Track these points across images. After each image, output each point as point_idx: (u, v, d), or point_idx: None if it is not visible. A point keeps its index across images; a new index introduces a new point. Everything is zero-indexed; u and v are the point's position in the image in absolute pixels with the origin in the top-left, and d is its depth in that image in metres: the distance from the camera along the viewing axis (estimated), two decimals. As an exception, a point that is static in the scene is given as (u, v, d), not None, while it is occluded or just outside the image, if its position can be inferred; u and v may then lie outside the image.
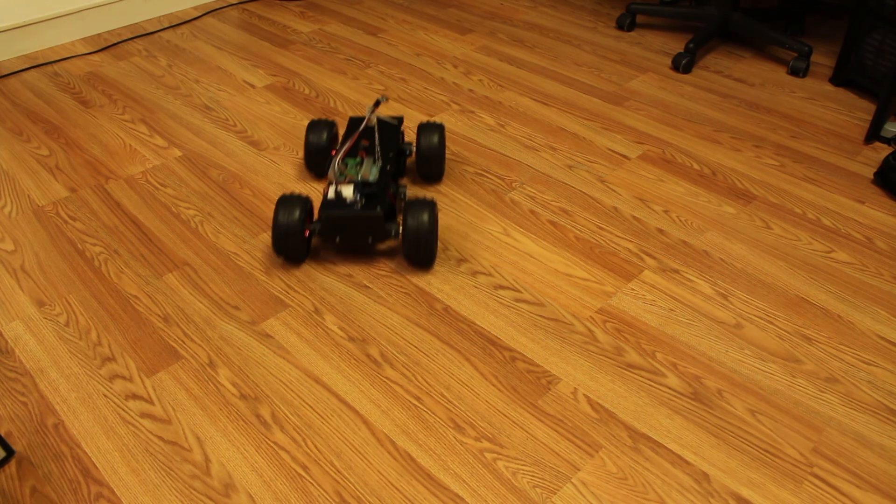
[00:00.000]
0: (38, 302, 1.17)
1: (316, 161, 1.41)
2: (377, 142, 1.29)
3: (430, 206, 1.17)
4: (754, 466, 0.91)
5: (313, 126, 1.40)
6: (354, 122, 1.38)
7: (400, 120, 1.38)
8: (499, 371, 1.04)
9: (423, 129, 1.38)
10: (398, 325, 1.12)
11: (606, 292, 1.18)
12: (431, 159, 1.38)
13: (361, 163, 1.25)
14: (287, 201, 1.18)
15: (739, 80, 1.83)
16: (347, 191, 1.18)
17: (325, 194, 1.19)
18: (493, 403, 1.00)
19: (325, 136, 1.38)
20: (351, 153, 1.29)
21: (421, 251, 1.17)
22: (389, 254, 1.26)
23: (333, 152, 1.39)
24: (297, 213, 1.16)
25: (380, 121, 1.36)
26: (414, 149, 1.43)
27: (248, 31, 2.14)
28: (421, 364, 1.06)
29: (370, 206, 1.17)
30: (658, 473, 0.91)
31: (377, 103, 1.20)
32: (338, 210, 1.16)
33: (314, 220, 1.27)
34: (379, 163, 1.26)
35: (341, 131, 1.59)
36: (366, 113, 1.13)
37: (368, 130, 1.34)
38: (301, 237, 1.17)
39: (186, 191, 1.43)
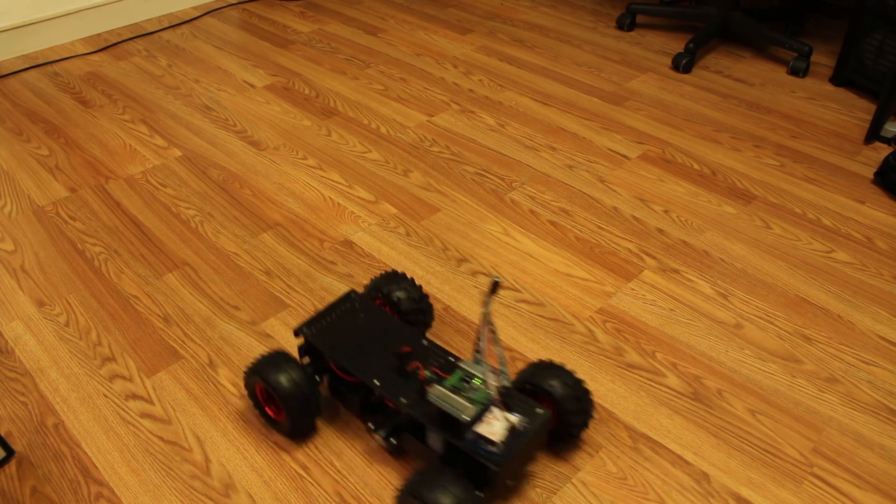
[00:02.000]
0: (38, 302, 1.17)
1: (304, 421, 0.92)
2: (488, 338, 0.84)
3: (558, 365, 0.91)
4: (754, 466, 0.91)
5: (268, 367, 0.90)
6: (326, 330, 0.94)
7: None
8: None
9: (388, 284, 1.02)
10: (398, 325, 1.12)
11: (606, 292, 1.18)
12: (420, 312, 1.02)
13: (467, 376, 0.85)
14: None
15: (739, 80, 1.83)
16: (510, 416, 0.83)
17: (480, 437, 0.81)
18: (493, 403, 1.00)
19: (298, 374, 0.89)
20: (393, 376, 0.89)
21: (586, 412, 0.90)
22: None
23: (426, 383, 0.86)
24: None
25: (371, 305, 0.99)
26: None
27: (248, 31, 2.14)
28: (421, 364, 1.06)
29: (526, 411, 0.84)
30: (658, 473, 0.91)
31: (495, 287, 0.78)
32: (518, 441, 0.81)
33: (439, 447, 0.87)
34: (483, 359, 0.85)
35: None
36: (482, 305, 0.79)
37: (375, 320, 0.97)
38: None
39: (186, 191, 1.43)
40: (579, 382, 0.89)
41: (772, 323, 1.12)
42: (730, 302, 1.16)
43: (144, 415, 0.99)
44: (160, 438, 0.95)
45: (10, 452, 0.93)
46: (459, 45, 2.03)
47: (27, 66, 1.94)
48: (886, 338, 1.10)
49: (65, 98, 1.78)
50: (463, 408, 0.80)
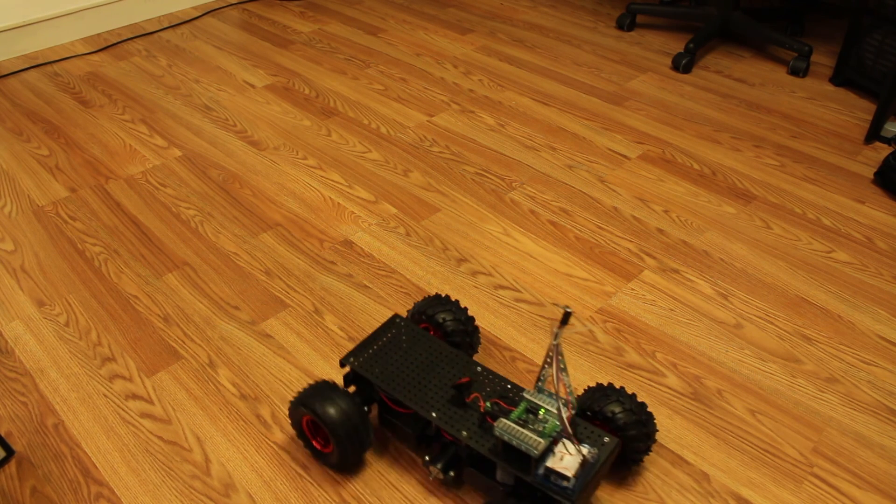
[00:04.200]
0: (38, 302, 1.17)
1: (354, 452, 0.88)
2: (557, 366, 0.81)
3: (612, 387, 0.88)
4: (754, 466, 0.91)
5: (316, 397, 0.87)
6: (379, 361, 0.91)
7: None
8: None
9: (434, 308, 0.99)
10: (398, 325, 1.12)
11: (606, 292, 1.18)
12: (468, 335, 0.99)
13: (533, 407, 0.83)
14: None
15: (739, 80, 1.83)
16: (582, 448, 0.80)
17: (554, 473, 0.78)
18: (493, 403, 1.00)
19: (347, 405, 0.86)
20: (450, 407, 0.86)
21: (650, 437, 0.87)
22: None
23: (490, 417, 0.84)
24: None
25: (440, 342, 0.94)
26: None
27: (248, 31, 2.14)
28: (421, 364, 1.06)
29: (593, 440, 0.82)
30: (658, 473, 0.91)
31: (566, 318, 0.74)
32: (589, 473, 0.79)
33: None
34: (545, 388, 0.85)
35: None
36: (553, 336, 0.74)
37: (424, 347, 0.93)
38: None
39: (186, 191, 1.43)
40: (643, 406, 0.86)
41: (772, 323, 1.12)
42: (730, 302, 1.16)
43: (144, 415, 0.99)
44: (160, 438, 0.95)
45: (10, 452, 0.93)
46: (459, 45, 2.03)
47: (27, 66, 1.94)
48: (886, 338, 1.10)
49: (65, 98, 1.78)
50: (534, 442, 0.77)
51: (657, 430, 0.89)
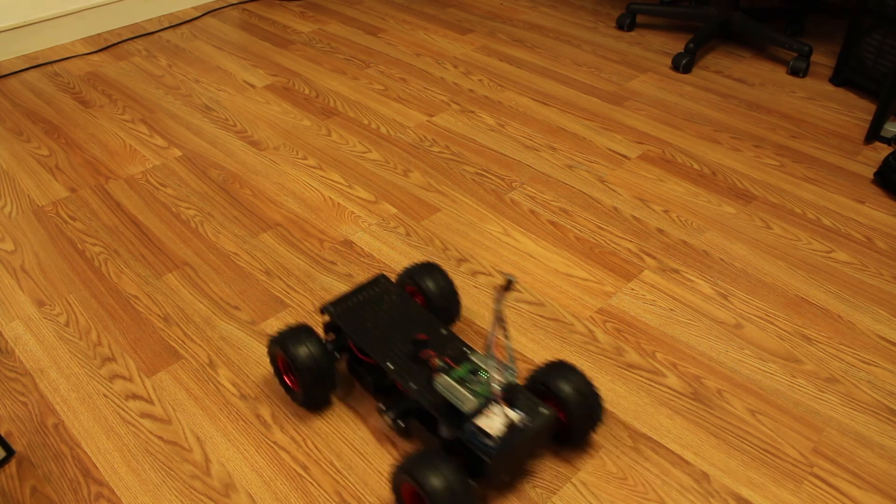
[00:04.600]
0: (38, 302, 1.17)
1: (318, 393, 0.95)
2: (499, 332, 0.92)
3: (571, 366, 0.91)
4: (754, 466, 0.91)
5: (290, 339, 0.93)
6: (351, 311, 0.98)
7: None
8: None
9: (421, 273, 1.05)
10: (398, 325, 1.12)
11: (606, 292, 1.18)
12: (447, 302, 1.05)
13: (475, 368, 0.87)
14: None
15: (739, 80, 1.83)
16: (508, 412, 0.83)
17: (478, 429, 0.83)
18: (493, 403, 1.00)
19: (316, 349, 0.93)
20: (407, 361, 0.91)
21: (594, 416, 0.90)
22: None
23: (434, 359, 0.90)
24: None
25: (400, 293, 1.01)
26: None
27: (248, 31, 2.14)
28: (421, 364, 1.06)
29: (530, 410, 0.85)
30: (658, 473, 0.91)
31: (509, 285, 0.77)
32: (516, 438, 0.83)
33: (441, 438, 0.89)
34: (492, 354, 0.87)
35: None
36: (495, 302, 0.78)
37: (401, 305, 0.99)
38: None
39: (186, 191, 1.43)
40: (590, 386, 0.89)
41: (772, 323, 1.12)
42: (730, 302, 1.16)
43: (144, 415, 0.99)
44: (160, 438, 0.95)
45: (10, 452, 0.93)
46: (459, 45, 2.03)
47: (27, 66, 1.94)
48: (886, 338, 1.10)
49: (65, 98, 1.78)
50: (465, 399, 0.83)
51: (602, 411, 0.92)
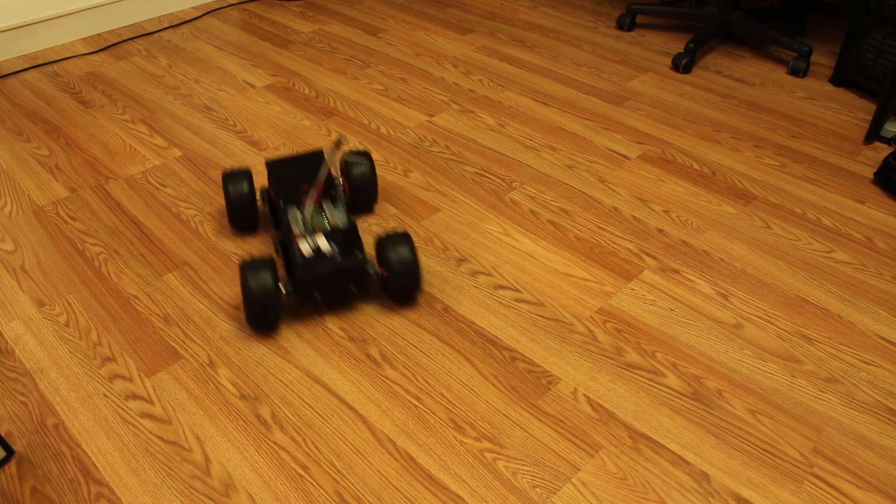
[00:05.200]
0: (38, 302, 1.17)
1: (242, 217, 1.27)
2: (341, 183, 1.14)
3: (407, 238, 1.10)
4: (754, 466, 0.91)
5: (231, 178, 1.24)
6: (280, 165, 1.25)
7: (367, 156, 1.27)
8: (499, 371, 1.04)
9: (350, 166, 1.29)
10: (398, 325, 1.12)
11: (606, 292, 1.18)
12: (364, 188, 1.31)
13: (322, 210, 1.14)
14: (254, 267, 1.05)
15: (739, 80, 1.83)
16: (323, 243, 1.08)
17: (296, 251, 1.07)
18: (493, 403, 1.00)
19: (245, 186, 1.24)
20: (292, 201, 1.17)
21: (409, 285, 1.11)
22: (370, 296, 1.19)
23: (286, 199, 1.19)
24: (269, 279, 1.04)
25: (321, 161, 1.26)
26: (341, 181, 1.33)
27: (248, 31, 2.14)
28: (421, 364, 1.06)
29: (348, 253, 1.08)
30: (658, 473, 0.91)
31: (338, 144, 1.04)
32: (320, 266, 1.06)
33: (286, 280, 1.12)
34: (342, 206, 1.16)
35: (257, 178, 1.32)
36: (326, 155, 1.02)
37: (318, 169, 1.22)
38: (279, 304, 1.06)
39: (186, 191, 1.43)
40: (412, 255, 1.08)
41: (772, 323, 1.12)
42: (730, 302, 1.16)
43: (144, 415, 0.99)
44: (160, 438, 0.95)
45: (10, 452, 0.93)
46: (459, 45, 2.03)
47: (27, 66, 1.94)
48: (886, 338, 1.10)
49: (65, 98, 1.78)
50: (296, 222, 1.11)
51: (420, 277, 1.11)
